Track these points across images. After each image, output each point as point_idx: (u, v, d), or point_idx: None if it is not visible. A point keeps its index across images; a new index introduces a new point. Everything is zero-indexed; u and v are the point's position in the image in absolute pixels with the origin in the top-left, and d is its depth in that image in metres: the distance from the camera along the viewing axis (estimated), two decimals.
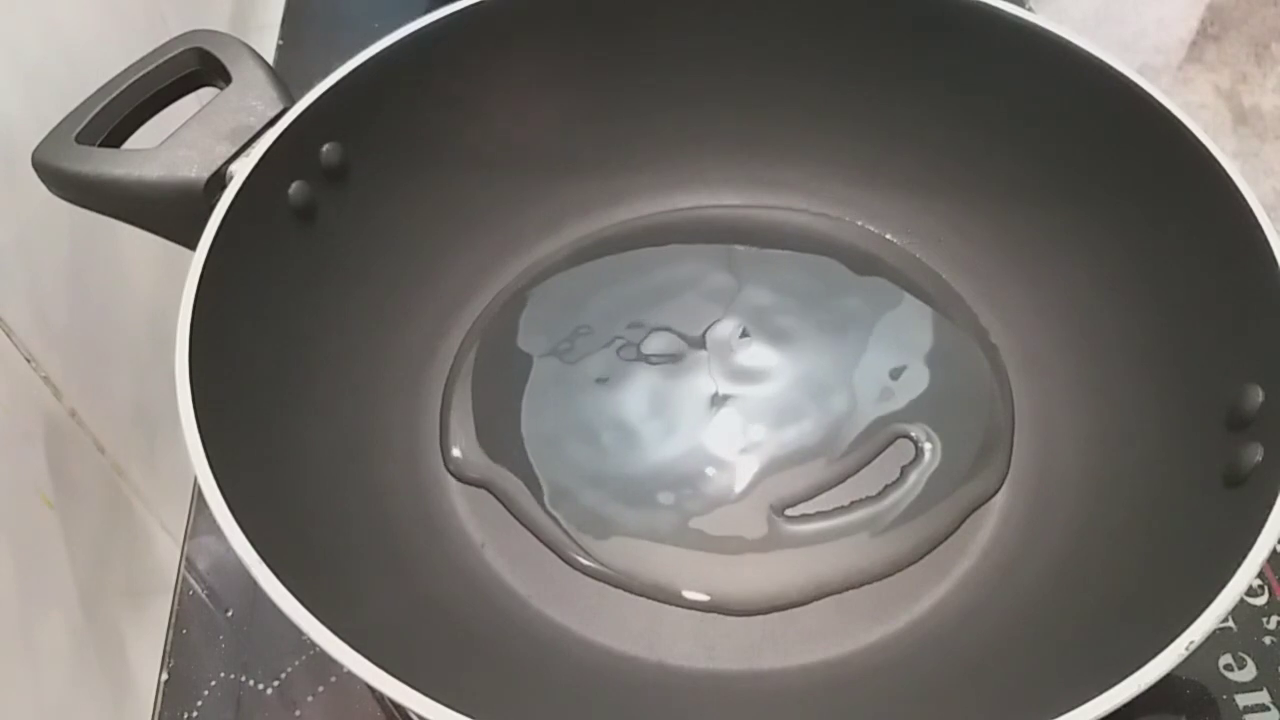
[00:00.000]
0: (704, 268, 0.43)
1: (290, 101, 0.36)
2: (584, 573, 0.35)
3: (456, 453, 0.38)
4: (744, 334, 0.41)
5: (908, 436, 0.38)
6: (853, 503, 0.37)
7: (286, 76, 0.37)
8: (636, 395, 0.40)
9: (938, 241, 0.43)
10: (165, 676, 0.37)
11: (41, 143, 0.34)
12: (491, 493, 0.37)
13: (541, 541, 0.36)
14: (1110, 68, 0.36)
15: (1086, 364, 0.38)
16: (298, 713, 0.36)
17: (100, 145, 0.35)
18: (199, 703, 0.37)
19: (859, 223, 0.44)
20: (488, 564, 0.36)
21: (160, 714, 0.37)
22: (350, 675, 0.24)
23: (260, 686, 0.37)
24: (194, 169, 0.34)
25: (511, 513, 0.37)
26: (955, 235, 0.43)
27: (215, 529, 0.26)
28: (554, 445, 0.39)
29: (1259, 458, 0.28)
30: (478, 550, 0.36)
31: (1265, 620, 0.37)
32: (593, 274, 0.44)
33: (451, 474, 0.38)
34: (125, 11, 0.46)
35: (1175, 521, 0.31)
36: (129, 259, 0.43)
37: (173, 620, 0.39)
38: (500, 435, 0.39)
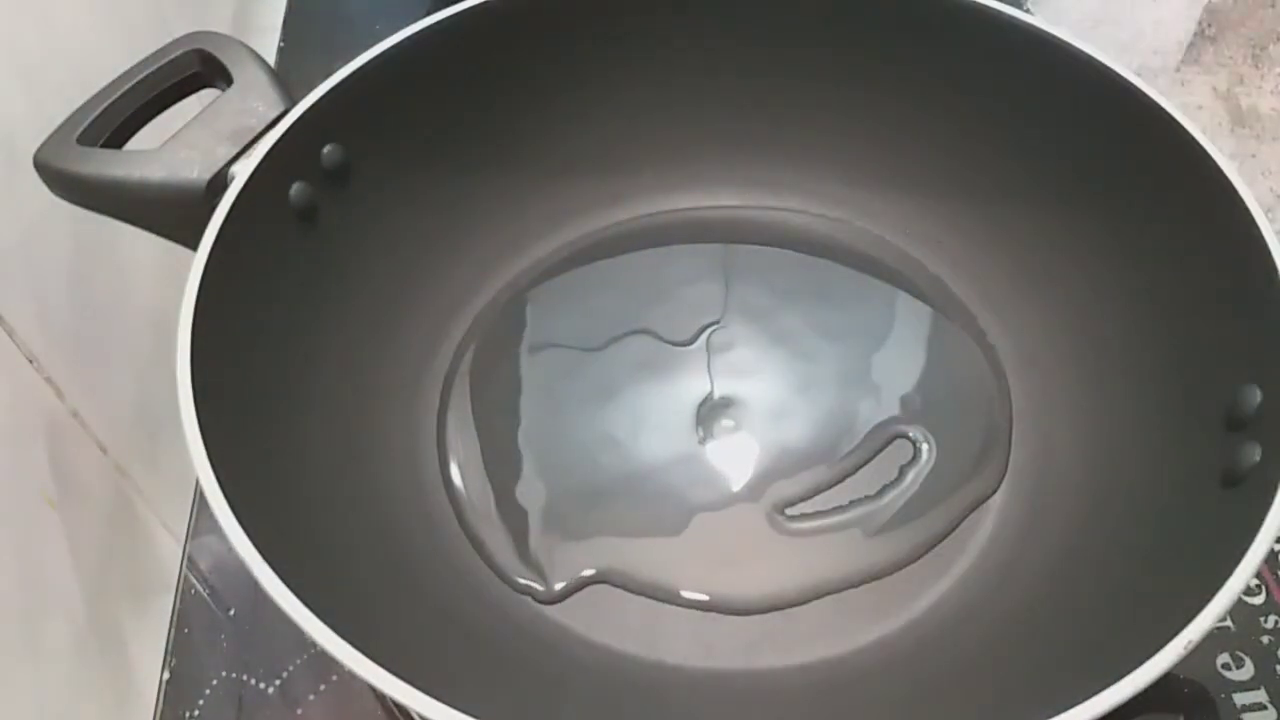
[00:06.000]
0: (703, 269, 0.44)
1: (291, 103, 0.36)
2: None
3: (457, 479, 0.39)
4: (742, 335, 0.41)
5: (906, 436, 0.38)
6: (851, 502, 0.37)
7: (288, 78, 0.37)
8: (635, 396, 0.40)
9: (936, 242, 0.43)
10: (167, 675, 0.38)
11: (43, 144, 0.34)
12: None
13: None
14: (1108, 69, 0.36)
15: (1084, 364, 0.38)
16: (299, 711, 0.36)
17: (102, 146, 0.35)
18: (200, 701, 0.37)
19: (858, 223, 0.45)
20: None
21: (162, 713, 0.37)
22: (351, 674, 0.24)
23: (262, 685, 0.37)
24: (195, 170, 0.34)
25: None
26: (953, 236, 0.43)
27: (217, 528, 0.26)
28: (553, 446, 0.39)
29: (1257, 458, 0.28)
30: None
31: (1263, 619, 0.37)
32: (592, 275, 0.44)
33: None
34: (127, 13, 0.46)
35: (1173, 521, 0.31)
36: (131, 260, 0.43)
37: (174, 619, 0.39)
38: (498, 440, 0.39)
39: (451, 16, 0.39)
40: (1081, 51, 0.36)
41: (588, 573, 0.35)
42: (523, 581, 0.35)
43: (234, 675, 0.37)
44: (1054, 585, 0.33)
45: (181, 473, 0.34)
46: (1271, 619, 0.37)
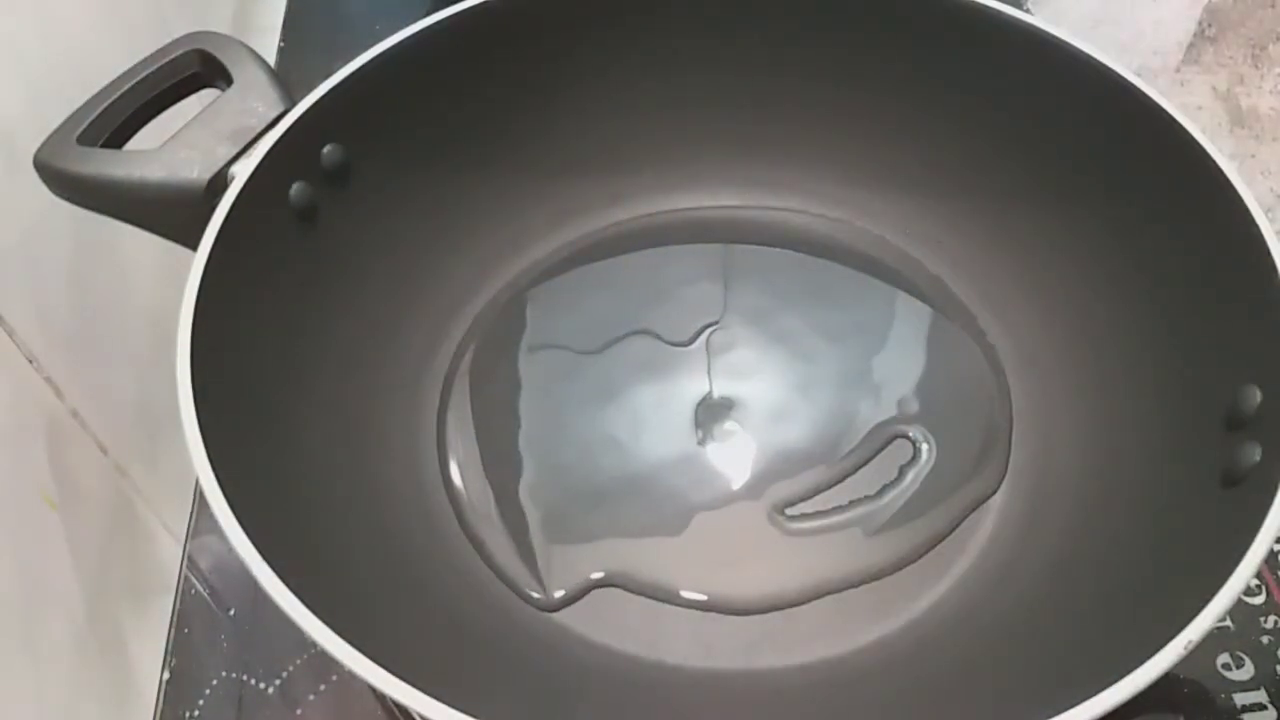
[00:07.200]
0: (702, 269, 0.44)
1: (291, 103, 0.36)
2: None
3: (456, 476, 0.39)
4: (742, 335, 0.41)
5: (906, 436, 0.38)
6: (851, 502, 0.37)
7: (288, 78, 0.37)
8: (635, 396, 0.40)
9: (936, 242, 0.43)
10: (167, 675, 0.38)
11: (43, 144, 0.34)
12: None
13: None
14: (1108, 69, 0.36)
15: (1084, 364, 0.38)
16: (299, 711, 0.36)
17: (102, 146, 0.35)
18: (200, 702, 0.37)
19: (858, 223, 0.45)
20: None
21: (162, 713, 0.37)
22: (351, 674, 0.24)
23: (262, 685, 0.37)
24: (195, 170, 0.34)
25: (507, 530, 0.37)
26: (953, 236, 0.43)
27: (217, 528, 0.26)
28: (553, 447, 0.39)
29: (1257, 458, 0.28)
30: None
31: (1263, 620, 0.37)
32: (591, 275, 0.44)
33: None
34: (127, 13, 0.46)
35: (1173, 521, 0.31)
36: (131, 260, 0.43)
37: (174, 619, 0.39)
38: (498, 440, 0.39)
39: (451, 16, 0.39)
40: (1081, 51, 0.36)
41: (589, 578, 0.35)
42: (524, 586, 0.35)
43: (234, 675, 0.37)
44: (1054, 585, 0.33)
45: (181, 473, 0.34)
46: (1271, 619, 0.37)
